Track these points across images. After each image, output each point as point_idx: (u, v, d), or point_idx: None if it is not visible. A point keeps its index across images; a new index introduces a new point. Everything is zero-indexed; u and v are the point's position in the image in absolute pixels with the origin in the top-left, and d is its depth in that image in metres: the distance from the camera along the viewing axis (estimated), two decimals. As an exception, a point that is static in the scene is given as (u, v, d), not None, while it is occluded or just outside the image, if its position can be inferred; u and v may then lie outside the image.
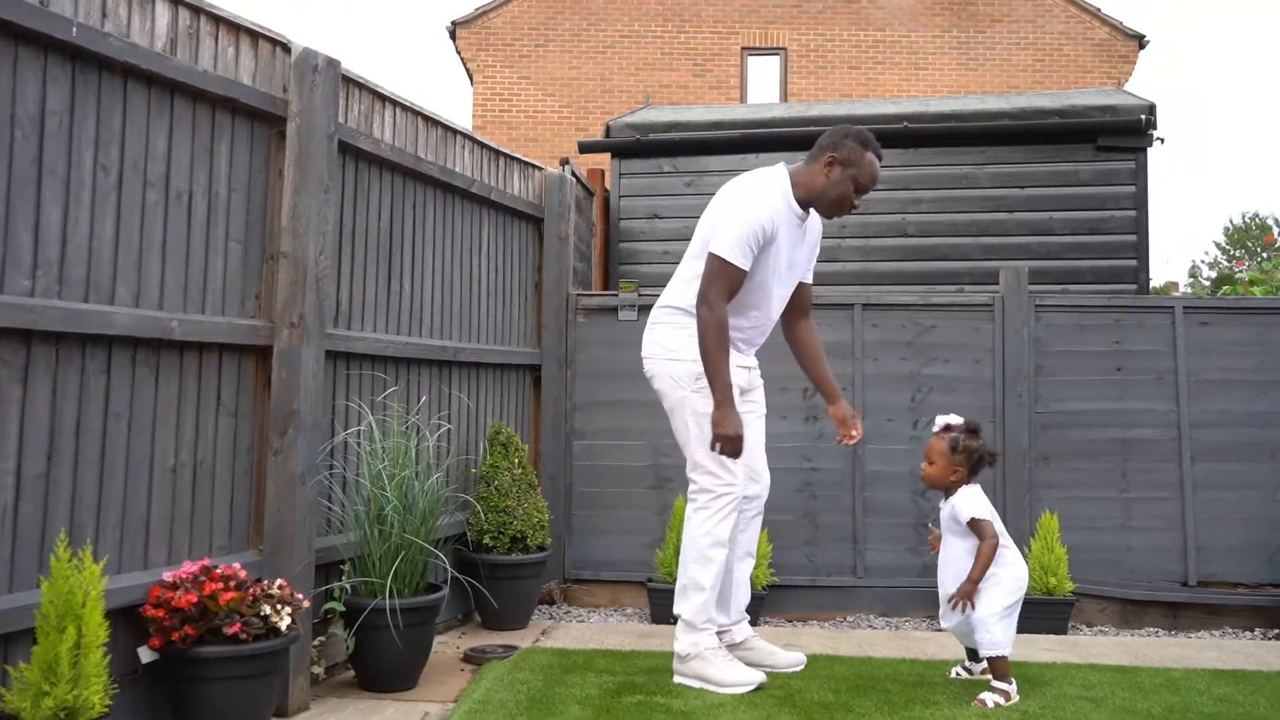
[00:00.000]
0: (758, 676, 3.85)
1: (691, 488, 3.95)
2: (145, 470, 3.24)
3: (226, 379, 3.60)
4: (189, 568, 3.21)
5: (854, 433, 4.22)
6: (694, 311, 3.90)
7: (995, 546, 3.80)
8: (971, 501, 3.86)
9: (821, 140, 4.01)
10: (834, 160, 3.93)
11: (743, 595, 4.20)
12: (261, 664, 3.21)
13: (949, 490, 3.93)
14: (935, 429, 4.00)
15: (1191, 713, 3.65)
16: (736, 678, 3.83)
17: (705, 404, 3.88)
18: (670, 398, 4.02)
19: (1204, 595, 5.60)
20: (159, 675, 3.16)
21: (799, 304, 4.28)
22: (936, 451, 3.93)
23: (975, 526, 3.83)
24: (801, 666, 4.15)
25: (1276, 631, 5.46)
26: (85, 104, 3.06)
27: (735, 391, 3.89)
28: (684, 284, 4.03)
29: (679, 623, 3.93)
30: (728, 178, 7.70)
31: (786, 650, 4.24)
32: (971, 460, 3.90)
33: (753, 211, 3.85)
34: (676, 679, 3.92)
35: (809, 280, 4.29)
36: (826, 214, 4.07)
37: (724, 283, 3.81)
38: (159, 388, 3.30)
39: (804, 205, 4.00)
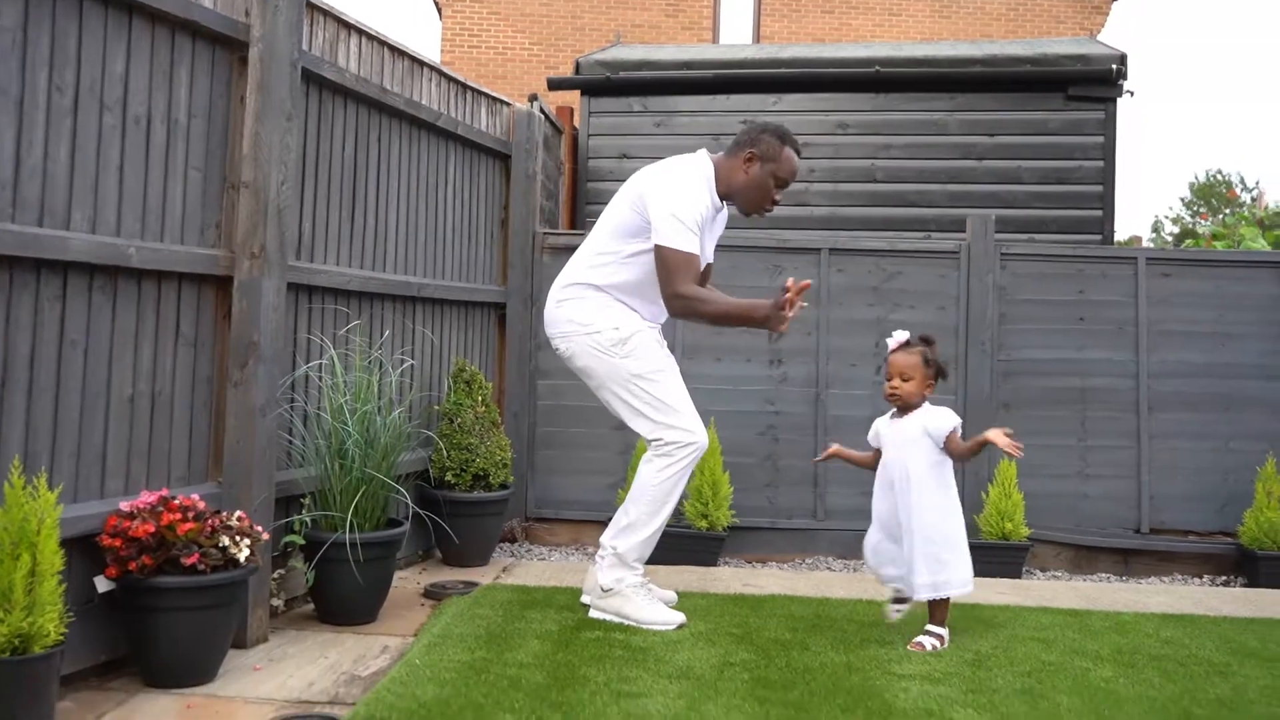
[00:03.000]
0: (678, 617, 3.87)
1: (657, 445, 3.92)
2: (102, 399, 3.20)
3: (186, 309, 3.55)
4: (146, 498, 3.18)
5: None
6: (602, 286, 3.96)
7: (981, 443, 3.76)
8: (950, 416, 3.78)
9: (739, 136, 4.02)
10: (753, 156, 3.94)
11: None
12: (219, 595, 3.20)
13: (913, 407, 3.82)
14: (897, 344, 3.83)
15: (1139, 654, 3.73)
16: (656, 616, 3.84)
17: (638, 364, 3.91)
18: (598, 373, 3.98)
19: (1156, 542, 5.70)
20: (115, 605, 3.14)
21: (705, 281, 4.25)
22: (912, 366, 3.78)
23: (954, 439, 3.77)
24: (673, 603, 4.07)
25: (1224, 578, 5.58)
26: (39, 23, 2.97)
27: (662, 347, 4.01)
28: (589, 267, 4.02)
29: (609, 556, 3.93)
30: (698, 118, 7.74)
31: (663, 590, 4.22)
32: (939, 373, 3.85)
33: (693, 198, 3.85)
34: (593, 613, 3.93)
35: (710, 259, 4.26)
36: (745, 210, 4.06)
37: (686, 271, 3.81)
38: (116, 316, 3.25)
39: (722, 198, 4.02)
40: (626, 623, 3.84)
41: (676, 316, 4.01)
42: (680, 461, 3.89)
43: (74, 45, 3.08)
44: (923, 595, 3.75)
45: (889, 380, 3.84)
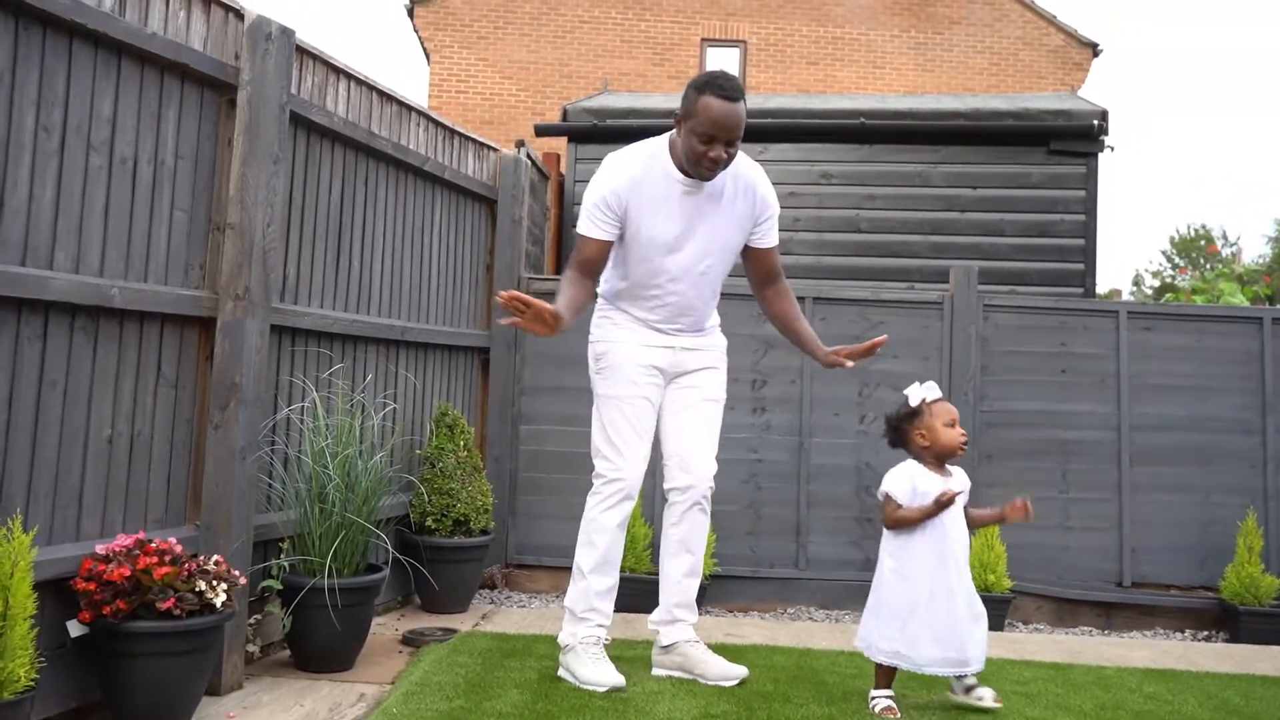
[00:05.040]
0: (615, 680, 3.59)
1: (593, 475, 3.80)
2: (80, 440, 3.17)
3: (167, 350, 3.52)
4: (123, 540, 3.14)
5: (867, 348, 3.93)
6: (606, 295, 3.91)
7: None
8: None
9: None
10: (679, 120, 3.64)
11: (672, 593, 3.87)
12: (195, 640, 3.15)
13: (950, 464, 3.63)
14: (938, 396, 3.60)
15: (1122, 710, 3.70)
16: (591, 677, 3.62)
17: (603, 386, 3.80)
18: (593, 386, 3.91)
19: (1137, 596, 5.70)
20: (88, 650, 3.09)
21: (760, 273, 3.96)
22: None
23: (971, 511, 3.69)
24: (734, 682, 3.74)
25: (1206, 633, 5.57)
26: (28, 62, 2.97)
27: (652, 371, 3.78)
28: (603, 277, 3.95)
29: (566, 611, 3.80)
30: (684, 167, 7.71)
31: (731, 664, 3.83)
32: None
33: (604, 178, 3.70)
34: (559, 670, 3.78)
35: (764, 245, 3.88)
36: (699, 177, 3.64)
37: (577, 255, 3.74)
38: (97, 356, 3.23)
39: (683, 171, 3.67)
40: (572, 681, 3.66)
41: None
42: (605, 500, 3.71)
43: (62, 86, 3.08)
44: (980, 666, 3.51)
45: (953, 426, 3.54)
